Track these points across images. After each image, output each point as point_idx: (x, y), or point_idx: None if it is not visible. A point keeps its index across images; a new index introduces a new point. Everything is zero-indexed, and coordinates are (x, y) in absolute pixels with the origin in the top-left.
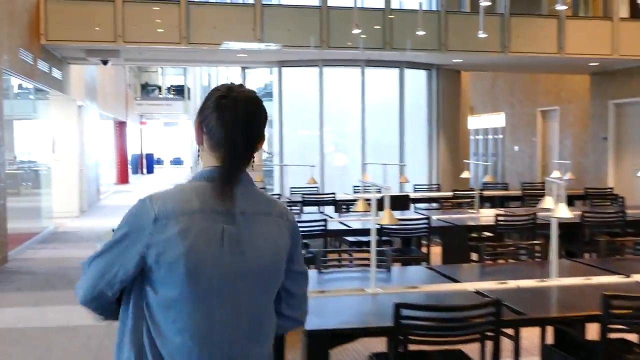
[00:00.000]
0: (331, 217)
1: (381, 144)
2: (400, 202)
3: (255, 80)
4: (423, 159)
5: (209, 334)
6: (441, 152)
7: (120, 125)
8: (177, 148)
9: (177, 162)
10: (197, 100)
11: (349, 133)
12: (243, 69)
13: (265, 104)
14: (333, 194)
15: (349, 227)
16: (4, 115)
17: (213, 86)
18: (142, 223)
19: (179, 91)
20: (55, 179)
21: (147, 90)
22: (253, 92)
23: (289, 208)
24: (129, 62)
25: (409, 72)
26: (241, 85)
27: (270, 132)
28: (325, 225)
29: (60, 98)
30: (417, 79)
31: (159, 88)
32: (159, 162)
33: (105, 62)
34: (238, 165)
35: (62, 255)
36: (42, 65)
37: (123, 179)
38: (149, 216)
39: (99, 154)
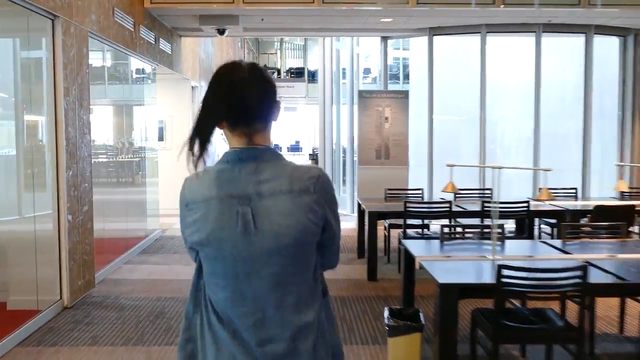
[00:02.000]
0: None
1: (557, 134)
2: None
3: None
4: (611, 152)
5: (243, 306)
6: (637, 144)
7: None
8: (296, 134)
9: (295, 148)
10: (325, 84)
11: (515, 120)
12: (384, 39)
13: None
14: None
15: None
16: (89, 95)
17: (345, 67)
18: (182, 205)
19: (299, 74)
20: (163, 171)
21: None
22: (245, 62)
23: (320, 174)
24: (249, 33)
25: (597, 40)
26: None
27: (408, 118)
28: None
29: (169, 77)
30: (606, 49)
31: (278, 71)
32: (277, 148)
33: (221, 32)
34: (248, 140)
35: (165, 275)
36: (146, 34)
37: None
38: (183, 199)
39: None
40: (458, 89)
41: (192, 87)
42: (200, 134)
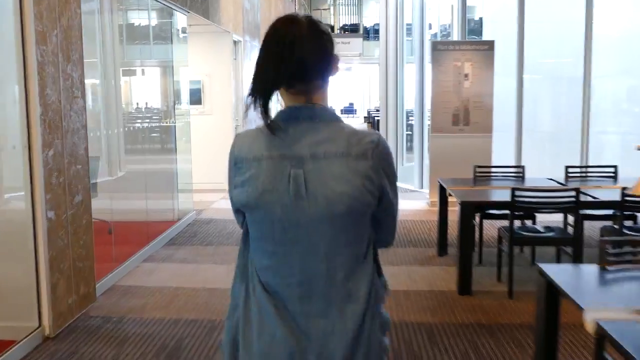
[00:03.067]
0: None
1: None
2: None
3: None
4: None
5: (289, 276)
6: None
7: None
8: (350, 95)
9: (349, 110)
10: (388, 37)
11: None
12: None
13: None
14: None
15: None
16: (82, 44)
17: (410, 21)
18: (230, 164)
19: (354, 31)
20: (201, 138)
21: None
22: (301, 16)
23: (380, 139)
24: None
25: None
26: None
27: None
28: None
29: (205, 29)
30: None
31: (332, 28)
32: None
33: None
34: (305, 99)
35: (191, 280)
36: None
37: None
38: (232, 157)
39: None
40: (538, 43)
41: (235, 41)
42: (259, 94)
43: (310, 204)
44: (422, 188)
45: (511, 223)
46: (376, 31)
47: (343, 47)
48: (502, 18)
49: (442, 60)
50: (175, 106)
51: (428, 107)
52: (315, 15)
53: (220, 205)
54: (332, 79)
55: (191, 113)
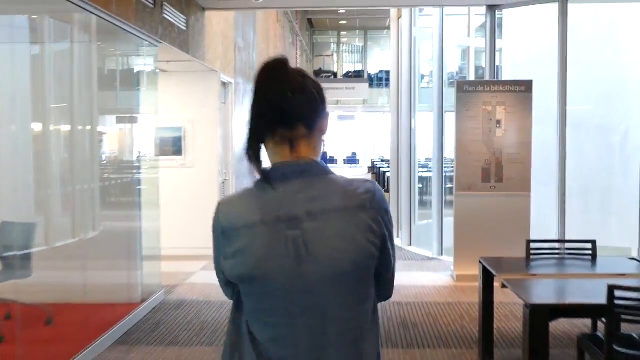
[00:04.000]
0: None
1: None
2: None
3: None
4: None
5: (295, 346)
6: None
7: None
8: (353, 145)
9: (352, 161)
10: (401, 88)
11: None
12: (491, 8)
13: None
14: None
15: None
16: None
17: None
18: (216, 234)
19: (358, 78)
20: (178, 197)
21: (321, 77)
22: (284, 57)
23: (375, 187)
24: (293, 6)
25: None
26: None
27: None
28: None
29: (188, 67)
30: None
31: (334, 74)
32: (332, 161)
33: None
34: (291, 151)
35: None
36: None
37: None
38: (217, 227)
39: None
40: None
41: (224, 83)
42: (249, 143)
43: (313, 266)
44: (441, 255)
45: (609, 339)
46: (380, 79)
47: (348, 92)
48: (526, 60)
49: (469, 104)
50: (141, 158)
51: (450, 159)
52: (318, 62)
53: (199, 279)
54: (322, 133)
55: (170, 165)
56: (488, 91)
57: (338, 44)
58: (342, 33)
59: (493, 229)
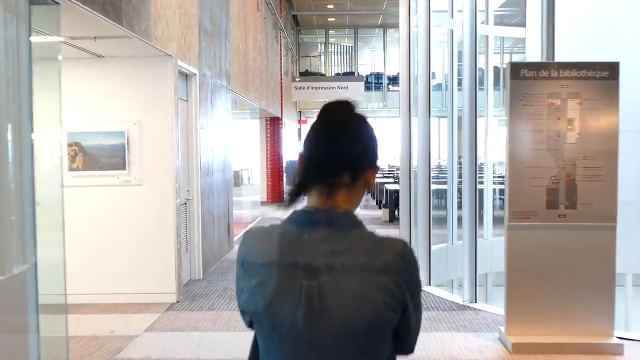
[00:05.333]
0: None
1: None
2: None
3: None
4: None
5: None
6: None
7: (273, 124)
8: None
9: None
10: (418, 91)
11: None
12: None
13: None
14: None
15: None
16: None
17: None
18: (238, 263)
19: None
20: (123, 224)
21: (309, 76)
22: (347, 102)
23: (405, 250)
24: None
25: None
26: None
27: None
28: None
29: (130, 48)
30: None
31: (322, 76)
32: None
33: None
34: (326, 197)
35: None
36: None
37: (275, 196)
38: (240, 256)
39: (230, 168)
40: None
41: (186, 74)
42: (296, 190)
43: (324, 321)
44: (475, 301)
45: None
46: (370, 82)
47: (340, 93)
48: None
49: (528, 97)
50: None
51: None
52: (304, 62)
53: (144, 348)
54: (367, 186)
55: (107, 183)
56: (555, 77)
57: (326, 43)
58: (331, 32)
59: (562, 274)
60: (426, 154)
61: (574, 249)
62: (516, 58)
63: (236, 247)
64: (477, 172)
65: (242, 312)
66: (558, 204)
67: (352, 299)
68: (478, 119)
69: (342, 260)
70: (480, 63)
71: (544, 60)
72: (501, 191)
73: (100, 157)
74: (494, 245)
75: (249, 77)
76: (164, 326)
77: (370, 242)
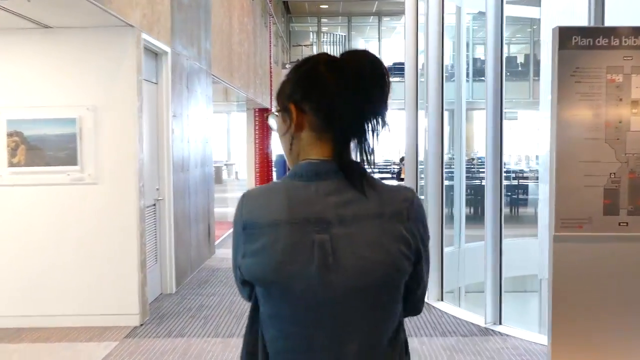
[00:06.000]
0: None
1: None
2: None
3: None
4: None
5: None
6: None
7: (262, 115)
8: None
9: None
10: (429, 82)
11: None
12: None
13: None
14: None
15: None
16: None
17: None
18: (237, 228)
19: None
20: (62, 235)
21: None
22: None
23: (415, 196)
24: None
25: None
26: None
27: None
28: None
29: (80, 16)
30: None
31: None
32: None
33: None
34: (333, 150)
35: None
36: None
37: None
38: (239, 221)
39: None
40: None
41: (153, 51)
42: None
43: (340, 276)
44: (499, 323)
45: None
46: None
47: None
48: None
49: (580, 72)
50: None
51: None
52: (295, 52)
53: None
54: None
55: (54, 181)
56: (617, 46)
57: (318, 32)
58: (323, 20)
59: (622, 297)
60: (438, 149)
61: (637, 266)
62: (514, 50)
63: (218, 252)
64: (502, 167)
65: (242, 283)
66: (618, 209)
67: (367, 249)
68: (476, 112)
69: (354, 209)
70: (478, 53)
71: (591, 23)
72: (508, 187)
73: (46, 149)
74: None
75: (234, 62)
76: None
77: (379, 189)
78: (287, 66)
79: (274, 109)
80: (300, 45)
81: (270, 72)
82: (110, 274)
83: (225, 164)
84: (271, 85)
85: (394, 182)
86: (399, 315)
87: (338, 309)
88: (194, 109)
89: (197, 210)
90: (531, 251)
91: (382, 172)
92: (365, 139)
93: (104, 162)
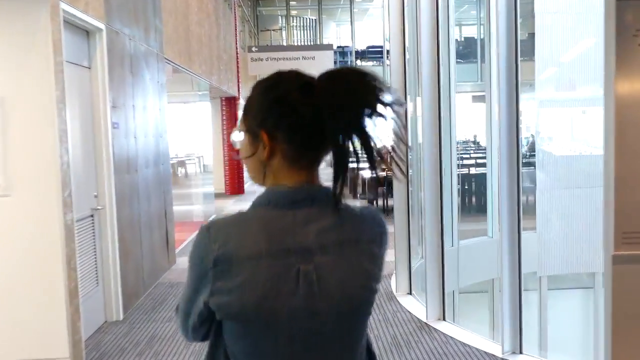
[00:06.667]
0: None
1: None
2: None
3: None
4: None
5: None
6: None
7: (229, 104)
8: None
9: None
10: (405, 67)
11: None
12: None
13: None
14: None
15: None
16: None
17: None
18: (204, 266)
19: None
20: None
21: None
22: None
23: (383, 221)
24: None
25: None
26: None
27: None
28: None
29: None
30: None
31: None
32: None
33: None
34: (307, 175)
35: None
36: None
37: (234, 187)
38: (208, 257)
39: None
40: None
41: (84, 29)
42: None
43: (326, 304)
44: (520, 352)
45: None
46: (342, 55)
47: (306, 65)
48: None
49: None
50: None
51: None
52: (264, 37)
53: None
54: None
55: None
56: None
57: (287, 16)
58: (292, 3)
59: None
60: (436, 138)
61: None
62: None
63: (180, 260)
64: (520, 152)
65: (201, 324)
66: None
67: (349, 274)
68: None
69: (333, 237)
70: (458, 34)
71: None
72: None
73: None
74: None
75: (193, 45)
76: None
77: (352, 215)
78: (253, 49)
79: (238, 126)
80: (268, 30)
81: (237, 58)
82: (30, 311)
83: (197, 157)
84: (238, 73)
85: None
86: (366, 345)
87: (323, 337)
88: (142, 99)
89: (149, 216)
90: (528, 246)
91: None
92: (346, 164)
93: (16, 168)
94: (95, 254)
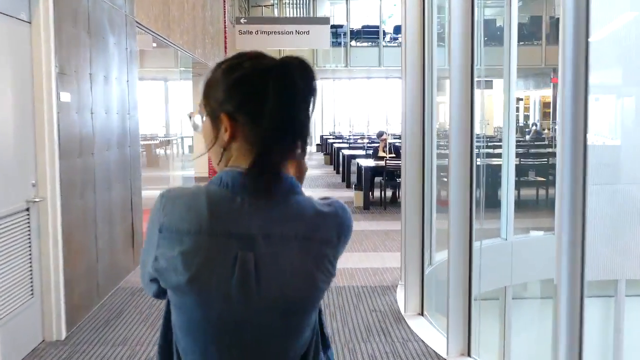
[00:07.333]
0: None
1: None
2: None
3: None
4: None
5: None
6: None
7: None
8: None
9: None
10: (424, 46)
11: None
12: None
13: None
14: None
15: None
16: None
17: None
18: (155, 230)
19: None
20: None
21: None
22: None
23: (344, 213)
24: None
25: None
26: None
27: None
28: None
29: None
30: None
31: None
32: None
33: None
34: (275, 165)
35: None
36: None
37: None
38: (157, 222)
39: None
40: None
41: None
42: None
43: (261, 297)
44: None
45: None
46: (335, 35)
47: (300, 40)
48: None
49: None
50: None
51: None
52: (255, 13)
53: None
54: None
55: None
56: None
57: None
58: None
59: None
60: (467, 124)
61: None
62: (490, 12)
63: None
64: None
65: (150, 281)
66: None
67: (291, 272)
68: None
69: (282, 229)
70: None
71: None
72: (519, 169)
73: None
74: (516, 249)
75: (173, 11)
76: None
77: (310, 210)
78: (242, 21)
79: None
80: (260, 6)
81: (225, 33)
82: None
83: (180, 138)
84: (226, 49)
85: (369, 161)
86: (316, 321)
87: (255, 331)
88: (103, 67)
89: (109, 207)
90: (540, 250)
91: (352, 148)
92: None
93: None
94: (30, 258)
